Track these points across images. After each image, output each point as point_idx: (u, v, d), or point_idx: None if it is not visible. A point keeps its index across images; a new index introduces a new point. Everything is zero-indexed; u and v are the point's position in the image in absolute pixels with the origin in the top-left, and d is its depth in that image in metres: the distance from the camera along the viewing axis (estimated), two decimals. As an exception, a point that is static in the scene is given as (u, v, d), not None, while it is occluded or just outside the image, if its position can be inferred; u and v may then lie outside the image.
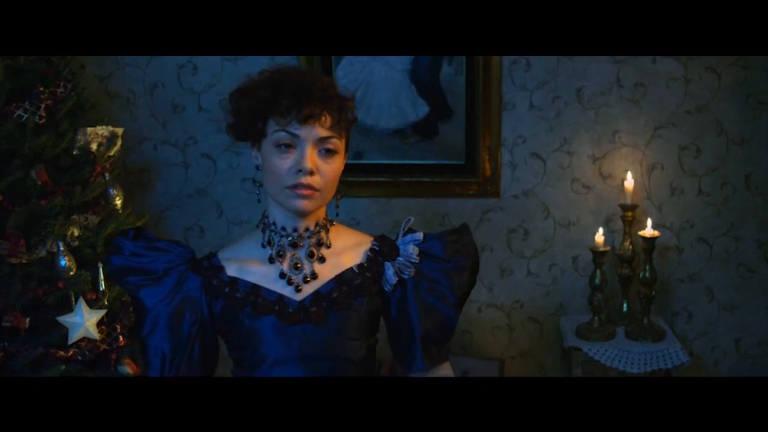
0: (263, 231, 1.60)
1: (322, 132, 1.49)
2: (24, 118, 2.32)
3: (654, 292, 2.88)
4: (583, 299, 3.06)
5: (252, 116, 1.52)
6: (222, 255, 1.60)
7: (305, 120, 1.47)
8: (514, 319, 3.18)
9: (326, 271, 1.59)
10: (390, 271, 1.64)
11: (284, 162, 1.49)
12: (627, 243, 2.91)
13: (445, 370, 1.72)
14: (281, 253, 1.58)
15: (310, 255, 1.59)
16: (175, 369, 1.56)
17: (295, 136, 1.48)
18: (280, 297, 1.55)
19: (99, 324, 2.37)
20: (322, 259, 1.59)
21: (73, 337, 2.28)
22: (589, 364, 2.82)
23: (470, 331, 3.19)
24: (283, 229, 1.58)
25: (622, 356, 2.77)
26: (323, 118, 1.48)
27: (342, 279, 1.59)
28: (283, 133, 1.49)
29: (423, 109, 3.02)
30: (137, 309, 1.57)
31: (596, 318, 2.88)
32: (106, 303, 2.43)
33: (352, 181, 2.97)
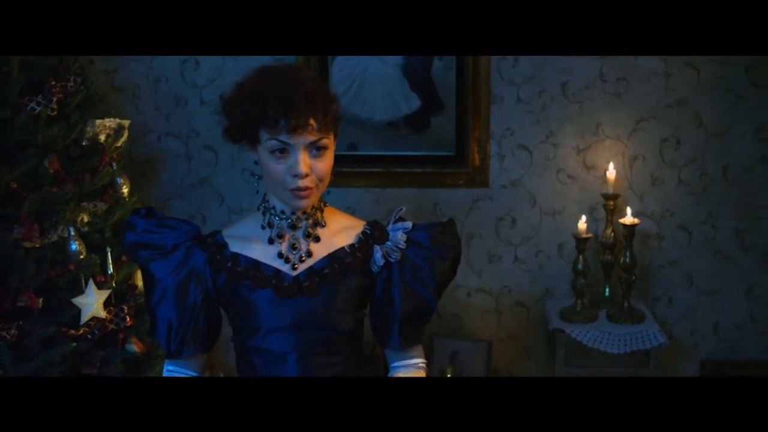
0: (264, 214, 1.74)
1: (311, 137, 1.59)
2: (37, 111, 2.46)
3: (634, 277, 3.02)
4: (568, 285, 3.20)
5: (244, 126, 1.63)
6: (225, 233, 1.74)
7: (294, 130, 1.57)
8: (502, 304, 3.32)
9: (320, 250, 1.73)
10: (378, 253, 1.77)
11: (280, 167, 1.61)
12: (609, 230, 3.05)
13: (416, 352, 1.85)
14: (281, 234, 1.72)
15: (307, 234, 1.73)
16: (181, 337, 1.70)
17: (286, 144, 1.60)
18: (277, 272, 1.69)
19: (107, 305, 2.52)
20: (317, 239, 1.73)
21: (86, 316, 2.43)
22: (572, 345, 2.97)
23: (460, 315, 3.33)
24: (282, 212, 1.72)
25: (603, 338, 2.92)
26: (310, 125, 1.58)
27: (334, 257, 1.73)
28: (274, 142, 1.59)
29: (415, 103, 3.16)
30: (147, 281, 1.71)
31: (579, 301, 3.02)
32: (113, 285, 2.57)
33: (347, 171, 3.12)
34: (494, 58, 3.11)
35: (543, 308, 3.27)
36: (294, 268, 1.70)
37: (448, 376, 3.02)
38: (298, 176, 1.60)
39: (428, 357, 3.12)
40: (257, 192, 1.76)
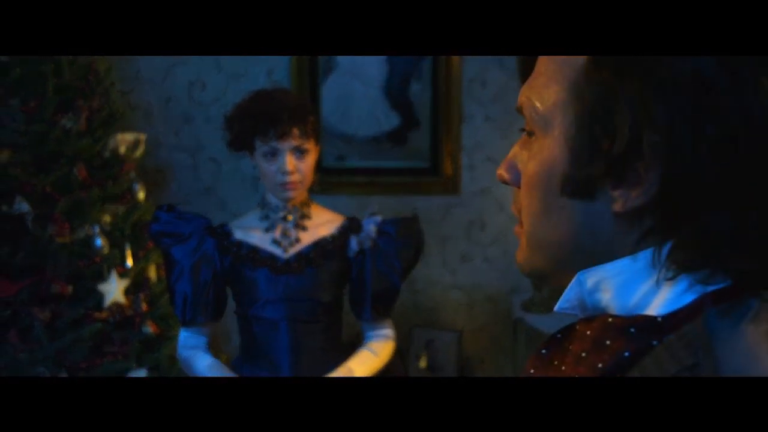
0: (262, 208, 2.16)
1: (295, 142, 2.02)
2: (68, 126, 2.82)
3: (585, 272, 3.42)
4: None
5: (242, 138, 2.05)
6: (231, 224, 2.17)
7: (280, 137, 1.99)
8: (473, 298, 3.71)
9: (307, 238, 2.15)
10: (354, 242, 2.19)
11: (271, 167, 2.03)
12: (565, 232, 3.45)
13: (386, 324, 2.25)
14: (275, 224, 2.14)
15: (296, 225, 2.14)
16: (194, 308, 2.11)
17: (276, 148, 2.02)
18: (272, 255, 2.10)
19: (126, 294, 2.91)
20: (304, 228, 2.15)
21: (108, 301, 2.83)
22: (531, 331, 3.37)
23: (436, 309, 3.73)
24: (277, 207, 2.14)
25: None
26: (293, 133, 2.00)
27: (318, 244, 2.15)
28: (266, 147, 2.02)
29: (395, 120, 3.53)
30: (168, 262, 2.12)
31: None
32: (132, 276, 2.97)
33: (335, 181, 3.51)
34: (465, 81, 3.51)
35: (509, 302, 3.66)
36: (285, 252, 2.12)
37: (423, 359, 3.42)
38: (285, 174, 2.01)
39: (407, 345, 3.53)
40: (257, 191, 2.18)
